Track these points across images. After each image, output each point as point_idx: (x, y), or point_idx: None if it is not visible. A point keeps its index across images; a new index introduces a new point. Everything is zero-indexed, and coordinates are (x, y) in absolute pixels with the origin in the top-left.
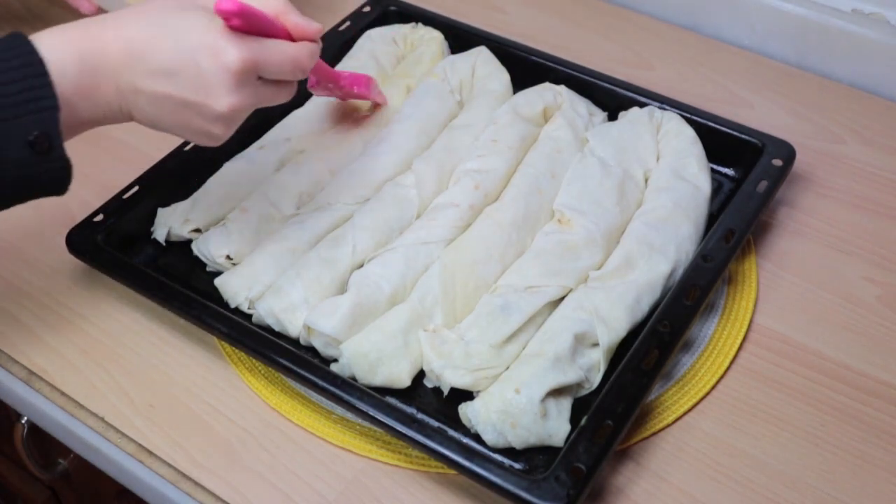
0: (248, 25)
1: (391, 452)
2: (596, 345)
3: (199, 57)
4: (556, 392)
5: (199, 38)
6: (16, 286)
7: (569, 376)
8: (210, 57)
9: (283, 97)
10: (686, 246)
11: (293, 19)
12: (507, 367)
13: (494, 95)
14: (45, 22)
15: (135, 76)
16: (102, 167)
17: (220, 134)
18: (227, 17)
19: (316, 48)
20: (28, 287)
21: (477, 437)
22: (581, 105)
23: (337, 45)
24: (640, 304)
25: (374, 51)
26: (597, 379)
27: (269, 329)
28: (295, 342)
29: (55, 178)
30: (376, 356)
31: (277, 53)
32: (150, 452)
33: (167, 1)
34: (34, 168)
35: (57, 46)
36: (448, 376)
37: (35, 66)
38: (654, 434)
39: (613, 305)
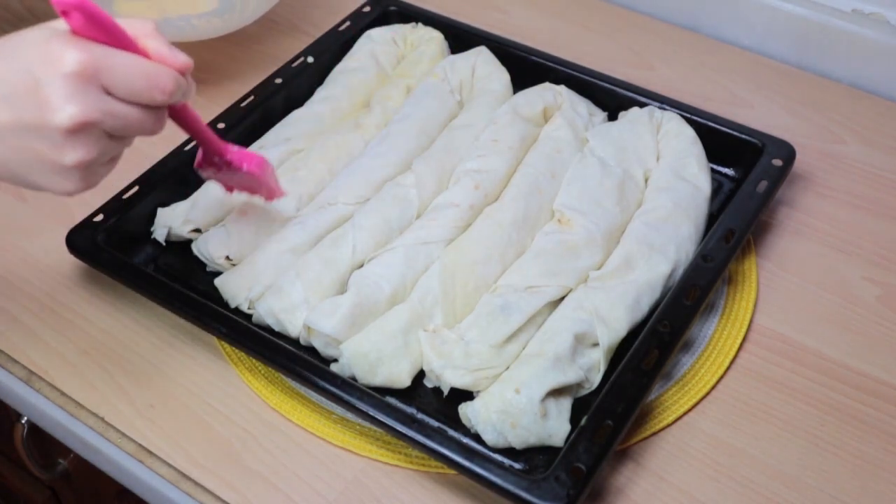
0: (95, 30)
1: (391, 452)
2: (596, 345)
3: (35, 68)
4: (556, 392)
5: (33, 51)
6: (16, 286)
7: (569, 376)
8: (45, 64)
9: (145, 124)
10: (686, 246)
11: (154, 45)
12: (507, 367)
13: (494, 95)
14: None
15: None
16: None
17: (71, 164)
18: (65, 10)
19: (181, 80)
20: (28, 287)
21: (477, 437)
22: (581, 105)
23: (337, 45)
24: (640, 304)
25: (374, 51)
26: (597, 379)
27: (269, 329)
28: (295, 342)
29: None
30: (376, 356)
31: (128, 64)
32: (150, 452)
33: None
34: None
35: None
36: (448, 376)
37: None
38: (654, 434)
39: (613, 305)
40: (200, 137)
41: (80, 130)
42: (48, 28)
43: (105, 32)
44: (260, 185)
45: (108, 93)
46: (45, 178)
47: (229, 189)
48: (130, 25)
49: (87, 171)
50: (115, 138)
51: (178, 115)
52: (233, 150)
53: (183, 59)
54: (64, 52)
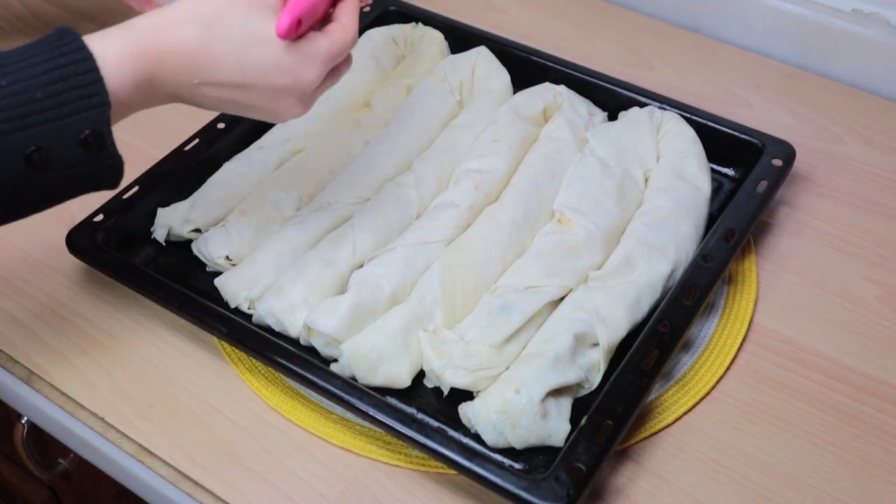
0: (304, 27)
1: (391, 452)
2: (596, 345)
3: (270, 75)
4: (556, 392)
5: (262, 53)
6: (16, 286)
7: (569, 376)
8: (285, 76)
9: (343, 74)
10: (686, 246)
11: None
12: (507, 367)
13: (494, 95)
14: (47, 24)
15: (197, 86)
16: None
17: (290, 116)
18: (289, 35)
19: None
20: (28, 287)
21: (477, 437)
22: (581, 105)
23: None
24: (640, 304)
25: (374, 51)
26: (597, 379)
27: (269, 329)
28: (295, 342)
29: (107, 175)
30: (376, 356)
31: (340, 48)
32: (150, 452)
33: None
34: (86, 167)
35: (109, 55)
36: (448, 376)
37: (86, 62)
38: (654, 434)
39: (613, 305)
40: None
41: (306, 112)
42: (255, 8)
43: (309, 18)
44: None
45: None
46: (290, 110)
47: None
48: None
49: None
50: None
51: None
52: None
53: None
54: (302, 70)
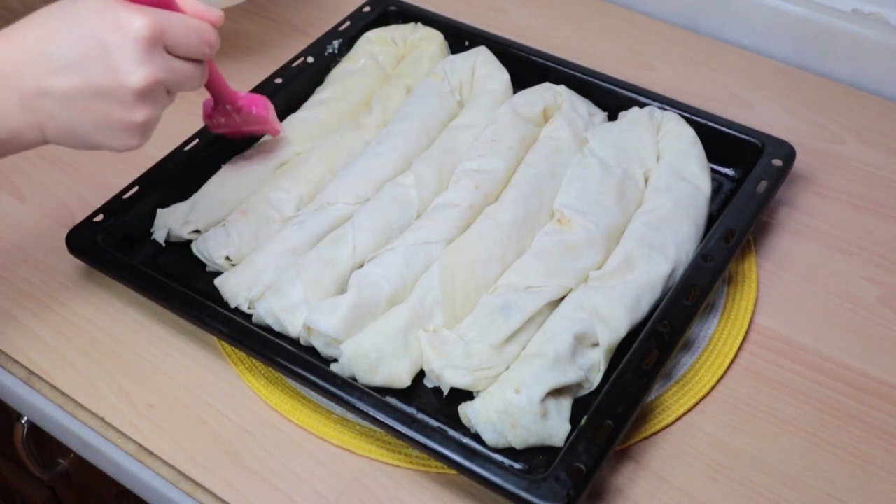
0: None
1: (391, 452)
2: (596, 345)
3: (102, 34)
4: (556, 392)
5: (96, 18)
6: (16, 286)
7: (569, 376)
8: (114, 31)
9: (196, 78)
10: (686, 246)
11: (191, 3)
12: (507, 367)
13: (494, 95)
14: None
15: (38, 77)
16: (102, 167)
17: (140, 122)
18: None
19: (216, 35)
20: (28, 287)
21: (477, 437)
22: (581, 105)
23: (337, 45)
24: (640, 304)
25: (373, 51)
26: (597, 379)
27: (269, 329)
28: (295, 342)
29: None
30: (376, 356)
31: (182, 23)
32: (150, 452)
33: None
34: None
35: None
36: (448, 376)
37: None
38: (654, 434)
39: (613, 305)
40: (218, 87)
41: (150, 90)
42: None
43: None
44: (265, 123)
45: (169, 52)
46: (112, 136)
47: (237, 134)
48: None
49: (149, 127)
50: (170, 94)
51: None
52: (241, 96)
53: (216, 13)
54: (132, 18)
